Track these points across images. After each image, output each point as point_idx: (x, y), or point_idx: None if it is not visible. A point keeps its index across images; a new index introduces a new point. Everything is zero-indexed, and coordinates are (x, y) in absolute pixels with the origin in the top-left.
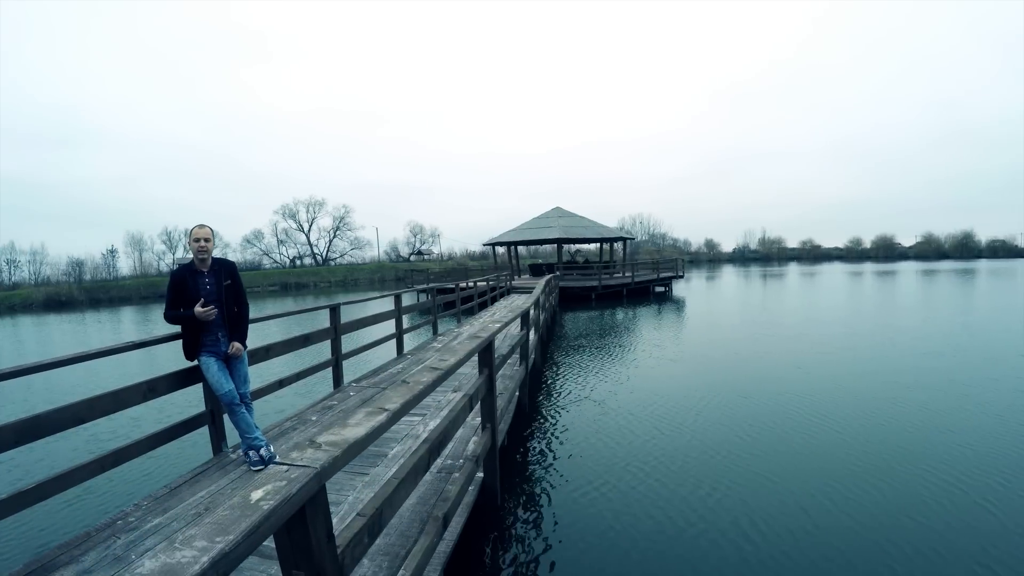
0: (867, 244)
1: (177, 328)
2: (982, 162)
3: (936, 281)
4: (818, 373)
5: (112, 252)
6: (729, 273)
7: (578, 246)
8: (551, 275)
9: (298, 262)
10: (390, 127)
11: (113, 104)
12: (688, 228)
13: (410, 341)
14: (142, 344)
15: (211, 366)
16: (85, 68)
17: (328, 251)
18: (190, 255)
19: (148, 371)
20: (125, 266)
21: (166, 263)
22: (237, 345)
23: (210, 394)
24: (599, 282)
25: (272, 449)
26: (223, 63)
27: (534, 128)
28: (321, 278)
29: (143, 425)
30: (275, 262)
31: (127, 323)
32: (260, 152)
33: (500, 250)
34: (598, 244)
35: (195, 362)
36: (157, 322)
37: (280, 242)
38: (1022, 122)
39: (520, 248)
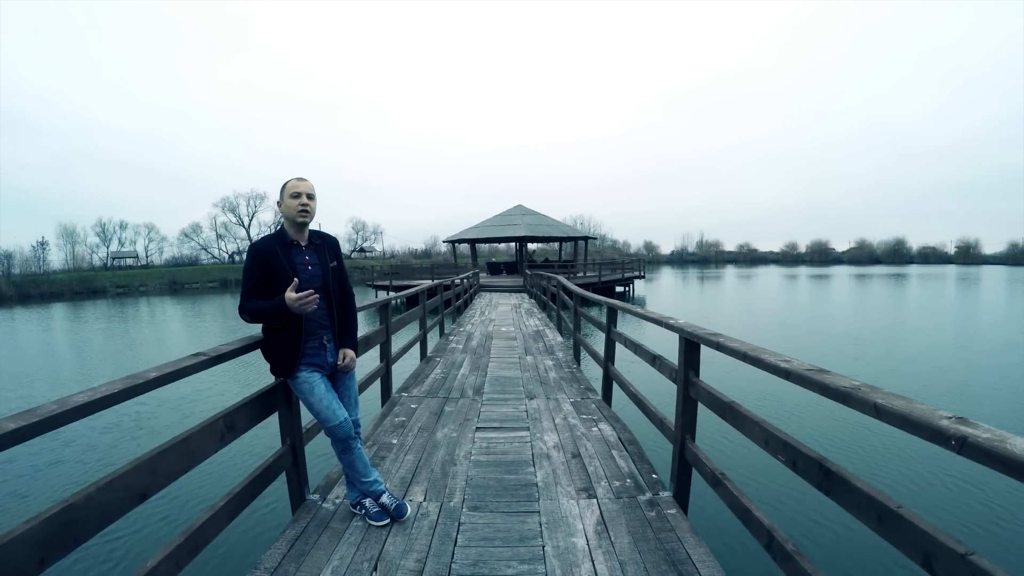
0: (802, 248)
1: (254, 329)
2: (915, 176)
3: (870, 285)
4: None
5: (43, 244)
6: (670, 275)
7: (533, 245)
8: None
9: (237, 257)
10: (337, 120)
11: (39, 91)
12: (627, 230)
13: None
14: (219, 358)
15: (317, 386)
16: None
17: None
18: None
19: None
20: (56, 259)
21: (99, 257)
22: (351, 354)
23: (290, 424)
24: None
25: (395, 495)
26: (161, 51)
27: (478, 128)
28: None
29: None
30: (213, 257)
31: (67, 321)
32: (198, 144)
33: (454, 247)
34: (550, 243)
35: (278, 379)
36: (95, 320)
37: (219, 236)
38: (953, 139)
39: (465, 246)
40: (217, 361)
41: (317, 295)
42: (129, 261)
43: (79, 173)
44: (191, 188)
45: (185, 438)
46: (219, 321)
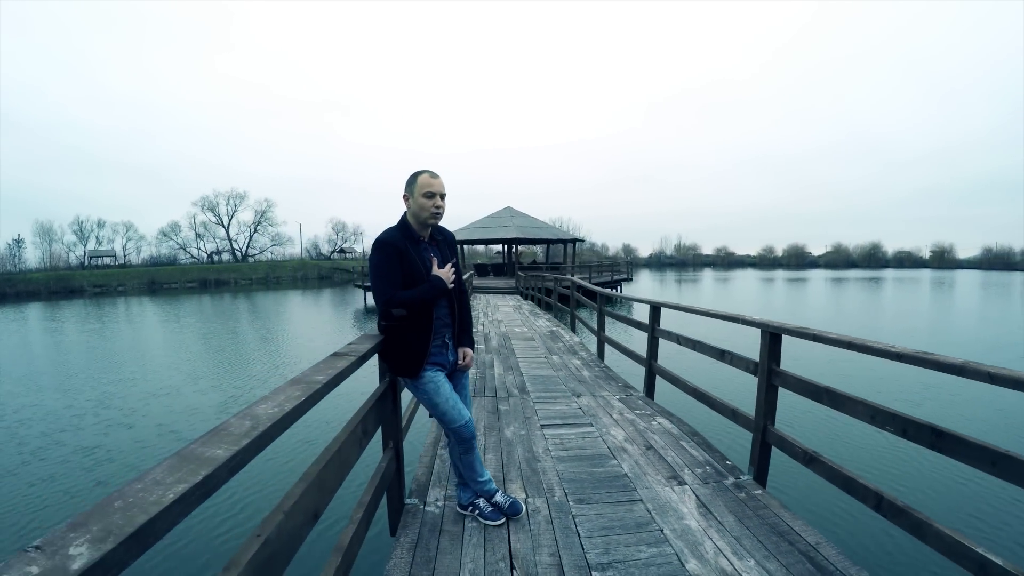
0: (779, 252)
1: (359, 325)
2: (893, 183)
3: (848, 288)
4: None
5: (18, 242)
6: (649, 278)
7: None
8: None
9: (216, 257)
10: (318, 119)
11: (15, 86)
12: (605, 233)
13: None
14: (362, 358)
15: (443, 385)
16: None
17: (248, 247)
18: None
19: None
20: (33, 258)
21: (76, 255)
22: (470, 353)
23: (395, 428)
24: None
25: (509, 493)
26: (138, 48)
27: (456, 130)
28: (242, 275)
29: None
30: (192, 257)
31: (58, 321)
32: (177, 141)
33: None
34: (534, 245)
35: (385, 382)
36: (86, 321)
37: (198, 236)
38: (930, 147)
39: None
40: (363, 360)
41: (455, 274)
42: (107, 260)
43: (56, 170)
44: (170, 186)
45: (339, 448)
46: (217, 323)
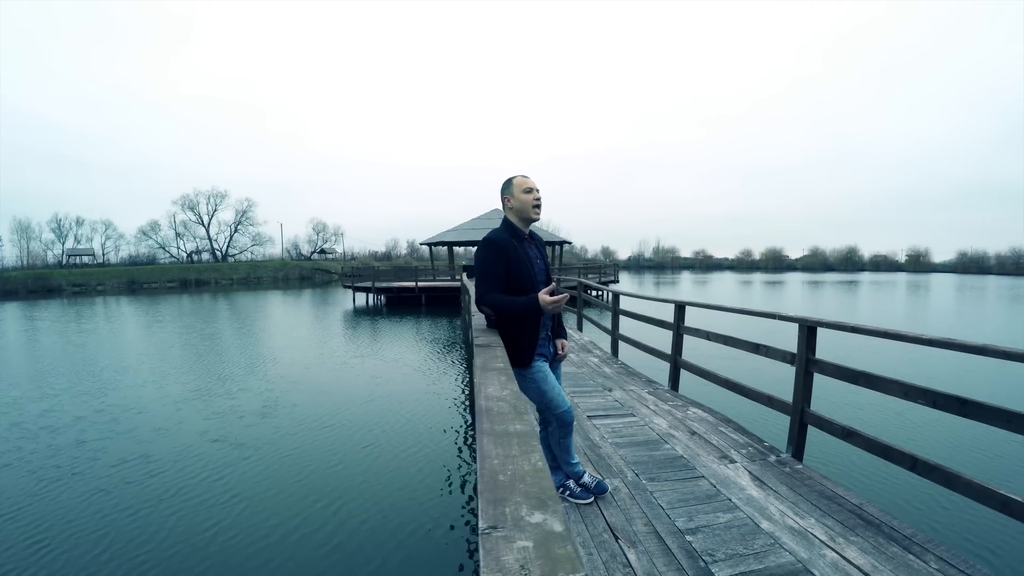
0: (757, 256)
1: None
2: (868, 186)
3: (827, 291)
4: None
5: None
6: (628, 279)
7: None
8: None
9: (196, 257)
10: (298, 122)
11: None
12: (585, 235)
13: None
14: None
15: (549, 373)
16: None
17: (228, 246)
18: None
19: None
20: (10, 256)
21: (55, 254)
22: (567, 344)
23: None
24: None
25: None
26: (113, 47)
27: (441, 141)
28: (223, 275)
29: None
30: (172, 256)
31: (41, 321)
32: (157, 142)
33: (431, 249)
34: None
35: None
36: (63, 320)
37: (178, 235)
38: (906, 153)
39: (436, 248)
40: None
41: (567, 295)
42: (85, 259)
43: (34, 167)
44: (149, 186)
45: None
46: (217, 324)
